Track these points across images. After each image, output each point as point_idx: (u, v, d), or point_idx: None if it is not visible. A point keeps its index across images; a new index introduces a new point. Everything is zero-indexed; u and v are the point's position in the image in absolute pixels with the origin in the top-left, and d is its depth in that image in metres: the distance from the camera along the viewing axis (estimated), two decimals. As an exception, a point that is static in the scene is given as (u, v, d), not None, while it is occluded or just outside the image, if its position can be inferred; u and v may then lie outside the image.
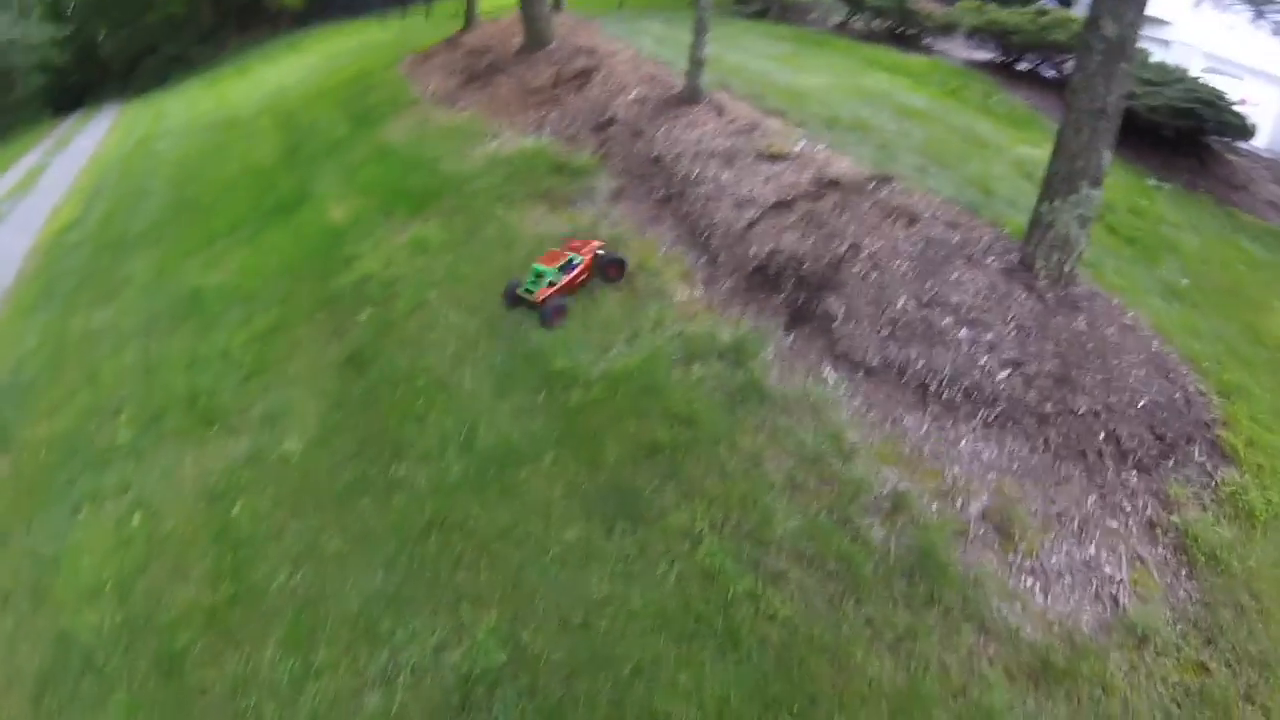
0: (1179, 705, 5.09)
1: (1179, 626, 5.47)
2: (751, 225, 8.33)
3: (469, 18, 19.26)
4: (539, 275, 7.83)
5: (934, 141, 10.97)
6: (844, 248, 7.72)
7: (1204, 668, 5.29)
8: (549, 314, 7.62)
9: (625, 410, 6.67)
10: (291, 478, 6.72)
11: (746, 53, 14.80)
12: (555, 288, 7.78)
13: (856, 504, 5.89)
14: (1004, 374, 6.62)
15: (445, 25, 21.90)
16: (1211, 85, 14.13)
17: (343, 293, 9.00)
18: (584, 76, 12.73)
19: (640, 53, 13.95)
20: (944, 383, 6.62)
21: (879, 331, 7.01)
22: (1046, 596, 5.50)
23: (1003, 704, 4.92)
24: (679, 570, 5.52)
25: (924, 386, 6.64)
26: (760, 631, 5.20)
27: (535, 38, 14.95)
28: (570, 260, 7.94)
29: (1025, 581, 5.56)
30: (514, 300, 7.94)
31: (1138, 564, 5.79)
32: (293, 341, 8.49)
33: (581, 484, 6.16)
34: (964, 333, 6.87)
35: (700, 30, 10.68)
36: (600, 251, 8.15)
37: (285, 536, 6.24)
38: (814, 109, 11.38)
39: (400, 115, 14.59)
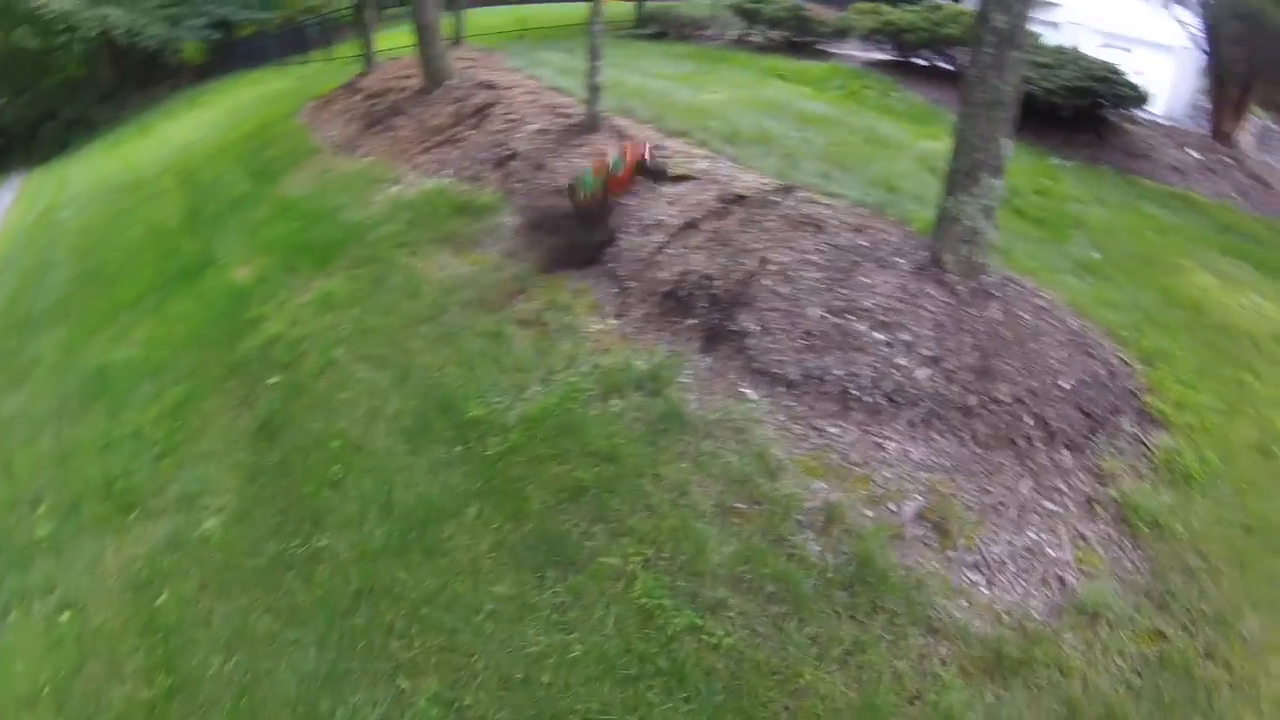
0: (1139, 675, 5.05)
1: (1130, 598, 5.44)
2: (660, 249, 8.20)
3: (368, 60, 19.03)
4: (588, 176, 8.85)
5: (836, 146, 11.03)
6: (753, 263, 7.61)
7: (1160, 635, 5.27)
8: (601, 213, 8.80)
9: (545, 454, 6.46)
10: (214, 559, 6.39)
11: (646, 74, 14.82)
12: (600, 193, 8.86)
13: (789, 521, 5.74)
14: (924, 372, 6.56)
15: (345, 69, 21.64)
16: (1105, 61, 14.46)
17: (250, 358, 8.69)
18: (484, 112, 12.58)
19: (541, 83, 13.87)
20: (865, 388, 6.52)
21: (795, 344, 6.90)
22: (992, 588, 5.42)
23: (961, 703, 4.81)
24: (616, 613, 5.32)
25: (845, 394, 6.53)
26: (705, 664, 5.02)
27: (433, 76, 14.78)
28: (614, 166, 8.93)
29: (968, 576, 5.47)
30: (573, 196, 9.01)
31: (1080, 542, 5.75)
32: (204, 414, 8.15)
33: (507, 536, 5.93)
34: (880, 336, 6.79)
35: (594, 56, 10.60)
36: (645, 158, 9.11)
37: (214, 621, 5.90)
38: (715, 125, 11.37)
39: (301, 166, 14.30)
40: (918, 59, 17.38)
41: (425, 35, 14.83)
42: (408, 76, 16.06)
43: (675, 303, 7.67)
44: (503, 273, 8.75)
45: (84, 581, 6.72)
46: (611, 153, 8.85)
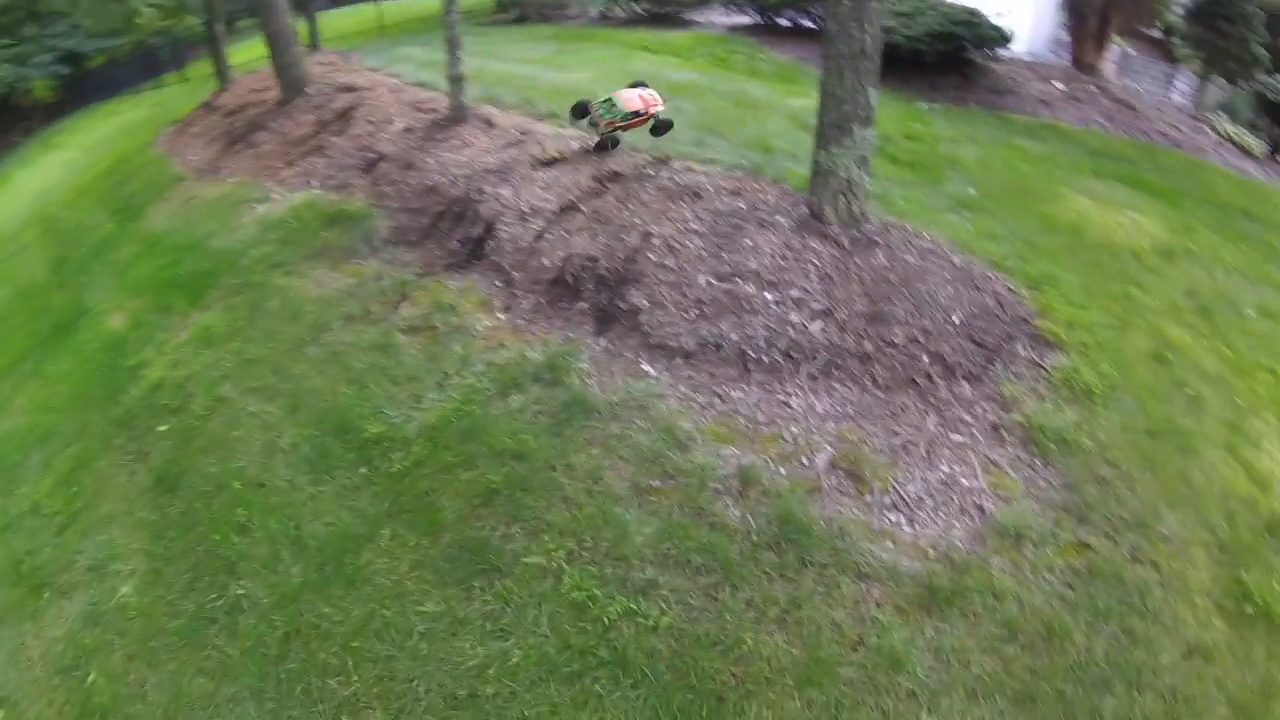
0: (1071, 588, 5.20)
1: (1049, 515, 5.57)
2: (539, 237, 8.01)
3: (223, 77, 18.20)
4: (612, 105, 8.94)
5: (708, 112, 10.99)
6: (636, 239, 7.51)
7: (1085, 546, 5.42)
8: (608, 142, 9.17)
9: (451, 462, 6.25)
10: (135, 627, 5.99)
11: (510, 60, 14.54)
12: (615, 125, 8.98)
13: (706, 492, 5.68)
14: (817, 326, 6.55)
15: (201, 89, 20.68)
16: (965, 6, 14.73)
17: (137, 409, 8.15)
18: (346, 116, 12.11)
19: (403, 80, 13.44)
20: (762, 349, 6.49)
21: (687, 314, 6.82)
22: (914, 525, 5.49)
23: (902, 641, 4.87)
24: (548, 612, 5.21)
25: (743, 357, 6.49)
26: (646, 647, 4.96)
27: (291, 85, 14.18)
28: (637, 113, 8.99)
29: (889, 517, 5.53)
30: (582, 113, 9.06)
31: (992, 469, 5.85)
32: (99, 477, 7.60)
33: (426, 552, 5.72)
34: (770, 296, 6.76)
35: (453, 46, 10.31)
36: (657, 110, 9.17)
37: (148, 692, 5.55)
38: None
39: (164, 197, 13.49)
40: (781, 20, 17.47)
41: (278, 44, 14.19)
42: (265, 89, 15.37)
43: (563, 288, 7.50)
44: (383, 281, 8.42)
45: (10, 675, 6.21)
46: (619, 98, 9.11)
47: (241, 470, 6.77)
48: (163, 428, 7.65)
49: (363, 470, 6.42)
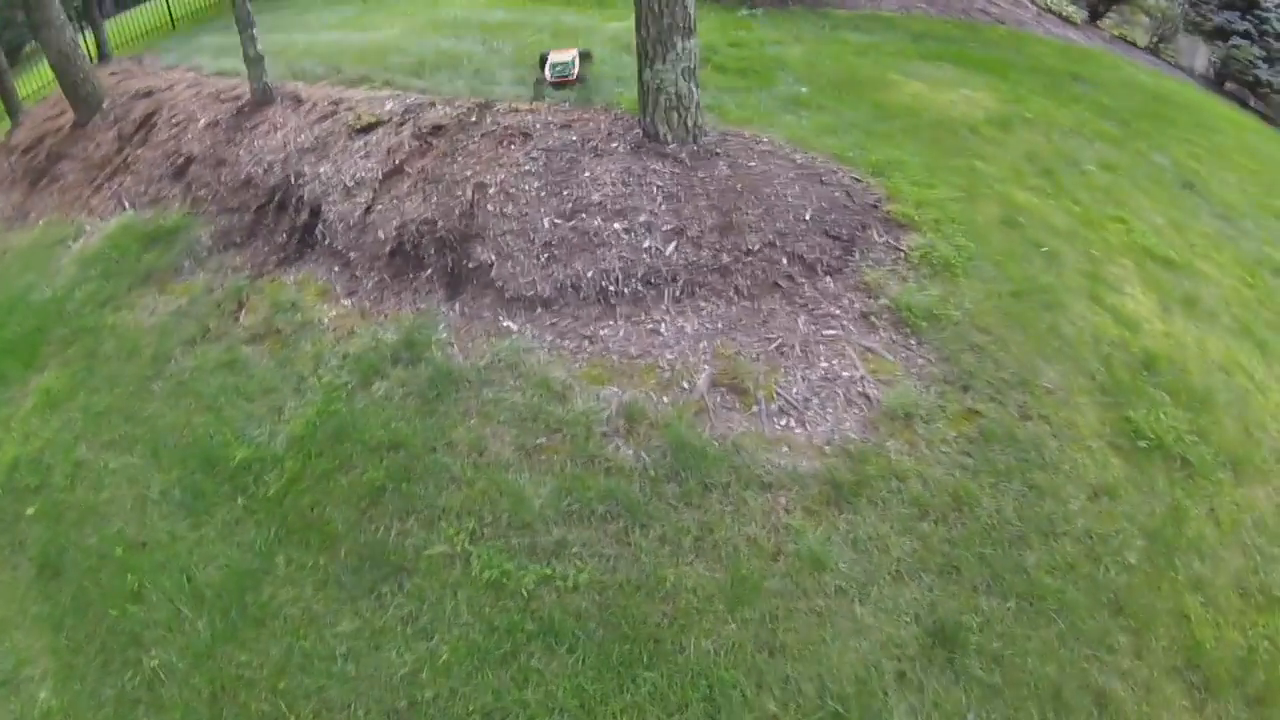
0: (969, 455, 5.25)
1: (933, 390, 5.61)
2: (369, 209, 7.54)
3: (13, 112, 16.70)
4: (563, 64, 9.33)
5: (526, 49, 10.57)
6: (470, 192, 7.13)
7: (974, 413, 5.48)
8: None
9: (328, 468, 5.88)
10: None
11: (311, 29, 13.75)
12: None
13: (594, 438, 5.51)
14: (670, 247, 6.38)
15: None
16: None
17: (0, 497, 7.48)
18: (148, 124, 11.22)
19: (201, 73, 12.53)
20: (620, 281, 6.28)
21: (538, 260, 6.54)
22: (805, 425, 5.43)
23: (819, 541, 4.86)
24: (465, 599, 4.99)
25: (604, 293, 6.28)
26: (572, 609, 4.83)
27: (85, 104, 13.06)
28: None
29: (780, 423, 5.46)
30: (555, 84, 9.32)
31: (869, 356, 5.83)
32: None
33: (327, 569, 5.39)
34: (617, 225, 6.54)
35: (244, 25, 9.61)
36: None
37: None
38: (396, 61, 10.64)
39: (-25, 258, 12.43)
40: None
41: (62, 63, 13.03)
42: (60, 114, 14.18)
43: (404, 259, 7.10)
44: (215, 293, 7.83)
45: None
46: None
47: (120, 534, 6.24)
48: (30, 510, 6.98)
49: (240, 501, 5.99)
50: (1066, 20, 16.79)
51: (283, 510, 5.82)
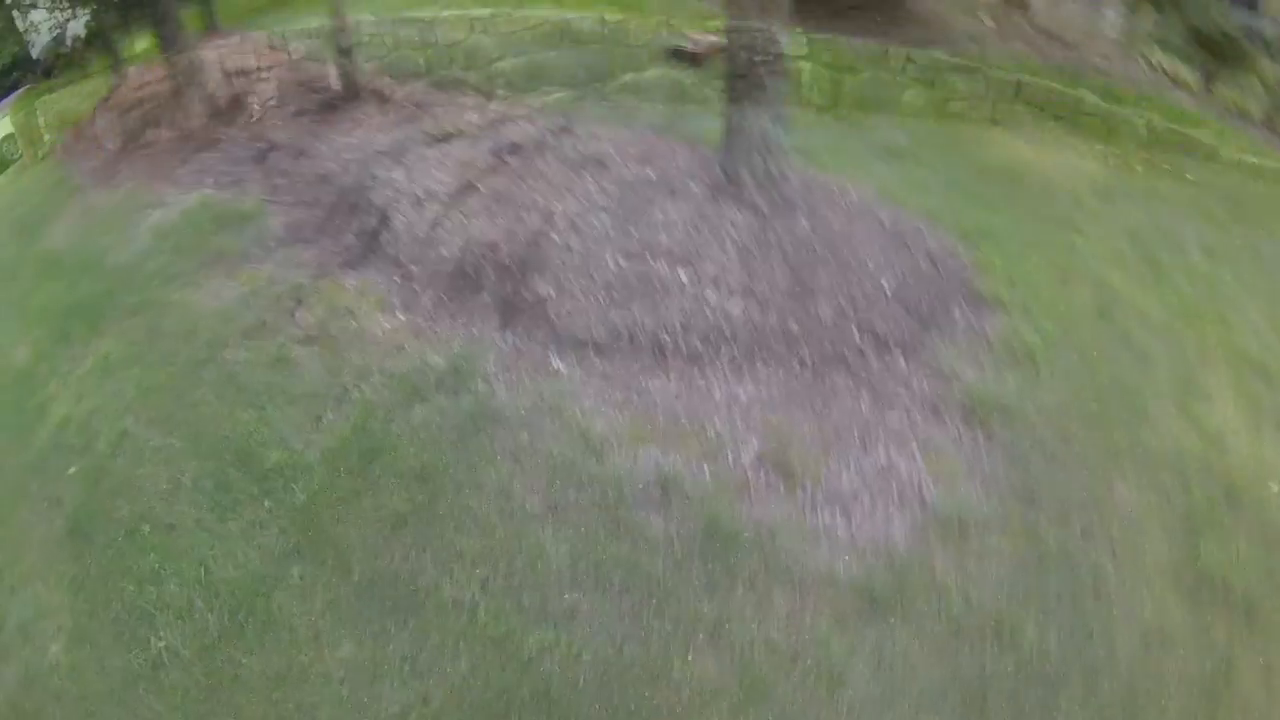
0: (1022, 577, 4.87)
1: (994, 497, 5.21)
2: (436, 224, 7.39)
3: (118, 70, 17.10)
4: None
5: (608, 64, 10.43)
6: (538, 219, 6.93)
7: (1034, 529, 5.08)
8: None
9: (356, 488, 5.77)
10: (68, 690, 5.63)
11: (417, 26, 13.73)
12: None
13: (625, 503, 5.26)
14: (737, 305, 6.07)
15: (94, 87, 19.60)
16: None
17: (46, 449, 7.55)
18: (238, 104, 11.35)
19: (302, 54, 12.62)
20: (678, 334, 6.00)
21: (596, 300, 6.30)
22: (849, 521, 5.07)
23: (842, 653, 4.55)
24: (467, 649, 4.84)
25: (659, 345, 6.00)
26: (570, 679, 4.62)
27: (184, 75, 13.28)
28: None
29: (823, 515, 5.10)
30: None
31: (932, 450, 5.43)
32: (18, 528, 7.04)
33: (338, 591, 5.30)
34: (683, 274, 6.26)
35: (339, 14, 9.60)
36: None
37: None
38: (503, 67, 10.57)
39: (62, 212, 12.68)
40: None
41: (166, 31, 13.29)
42: (160, 80, 14.47)
43: (464, 280, 6.93)
44: (277, 286, 7.79)
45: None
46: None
47: (150, 511, 6.27)
48: (72, 470, 7.11)
49: (266, 504, 5.92)
50: (1180, 84, 15.99)
51: (305, 522, 5.74)
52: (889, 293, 6.20)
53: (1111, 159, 9.77)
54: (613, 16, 11.84)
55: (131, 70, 16.60)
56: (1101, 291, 6.94)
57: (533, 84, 10.25)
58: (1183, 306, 7.10)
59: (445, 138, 8.35)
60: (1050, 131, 10.30)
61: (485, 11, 11.54)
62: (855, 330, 5.97)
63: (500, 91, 10.25)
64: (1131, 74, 14.94)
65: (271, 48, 13.77)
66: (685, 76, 9.62)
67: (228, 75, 12.67)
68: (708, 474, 5.32)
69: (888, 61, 11.97)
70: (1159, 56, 15.69)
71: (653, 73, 10.58)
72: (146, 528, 6.17)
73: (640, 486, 5.32)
